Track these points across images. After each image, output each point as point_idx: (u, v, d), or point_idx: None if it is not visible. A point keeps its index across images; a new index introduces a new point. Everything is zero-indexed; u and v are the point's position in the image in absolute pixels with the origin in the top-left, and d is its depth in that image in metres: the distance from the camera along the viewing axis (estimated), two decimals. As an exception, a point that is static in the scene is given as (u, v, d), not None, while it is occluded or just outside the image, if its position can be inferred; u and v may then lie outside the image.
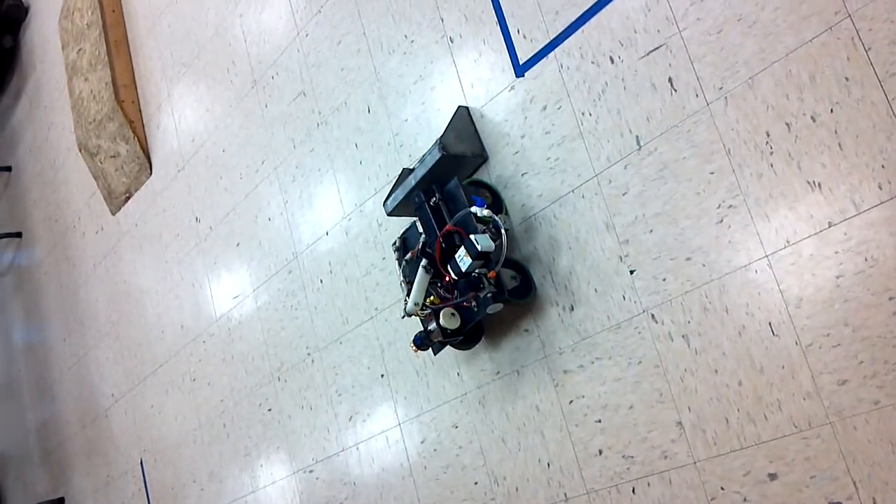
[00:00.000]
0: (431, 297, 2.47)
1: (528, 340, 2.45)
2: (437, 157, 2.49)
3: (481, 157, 2.59)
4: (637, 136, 2.15)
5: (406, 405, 2.89)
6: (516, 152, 2.48)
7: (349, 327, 3.10)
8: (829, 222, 1.81)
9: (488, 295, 2.32)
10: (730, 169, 1.97)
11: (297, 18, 3.35)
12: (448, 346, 2.56)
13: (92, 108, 4.63)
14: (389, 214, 2.72)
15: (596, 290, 2.25)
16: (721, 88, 1.98)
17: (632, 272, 2.17)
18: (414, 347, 2.49)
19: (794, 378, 1.87)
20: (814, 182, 1.83)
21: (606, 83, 2.24)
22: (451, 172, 2.53)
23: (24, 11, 6.07)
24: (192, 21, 4.05)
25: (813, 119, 1.83)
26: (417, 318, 2.48)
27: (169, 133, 4.25)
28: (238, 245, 3.71)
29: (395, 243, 2.69)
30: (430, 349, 2.55)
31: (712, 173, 2.00)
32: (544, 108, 2.39)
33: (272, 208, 3.48)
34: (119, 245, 4.77)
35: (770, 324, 1.91)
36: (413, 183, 2.58)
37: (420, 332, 2.48)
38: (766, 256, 1.91)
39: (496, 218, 2.35)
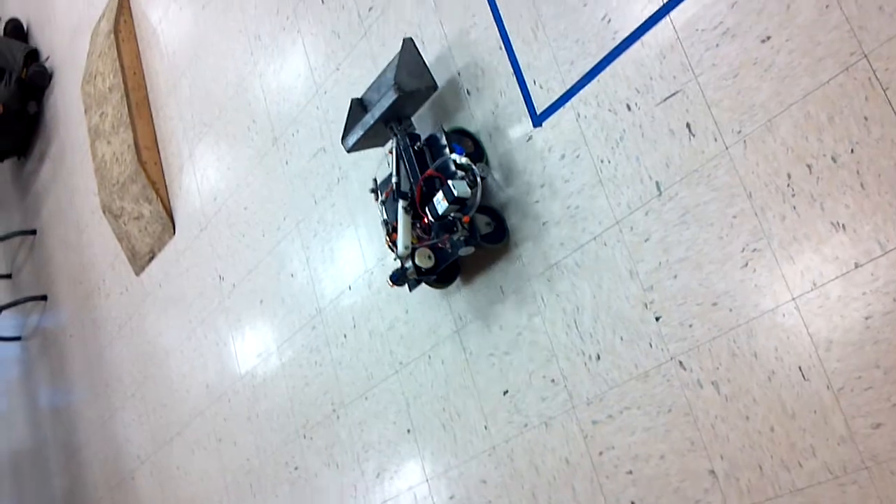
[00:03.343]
0: (412, 238, 2.60)
1: (555, 391, 2.42)
2: (393, 98, 2.60)
3: (433, 89, 2.72)
4: (657, 182, 2.15)
5: (433, 460, 2.86)
6: (536, 201, 2.47)
7: (374, 382, 3.08)
8: (856, 263, 1.79)
9: (461, 238, 2.46)
10: (752, 212, 1.95)
11: (315, 76, 3.39)
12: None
13: (115, 171, 4.69)
14: (349, 151, 2.87)
15: (622, 339, 2.23)
16: (740, 132, 1.98)
17: (657, 319, 2.15)
18: (390, 283, 2.64)
19: (827, 423, 1.83)
20: (838, 223, 1.81)
21: (624, 130, 2.24)
22: (407, 106, 2.69)
23: (48, 77, 6.20)
24: (213, 81, 4.11)
25: (834, 160, 1.82)
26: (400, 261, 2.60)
27: (191, 192, 4.29)
28: (261, 302, 3.72)
29: (372, 188, 2.80)
30: (406, 285, 2.68)
31: (735, 217, 1.99)
32: (563, 156, 2.40)
33: (295, 264, 3.49)
34: (143, 306, 4.79)
35: (800, 368, 1.88)
36: (371, 122, 2.71)
37: (397, 269, 2.61)
38: (794, 299, 1.89)
39: (474, 166, 2.49)
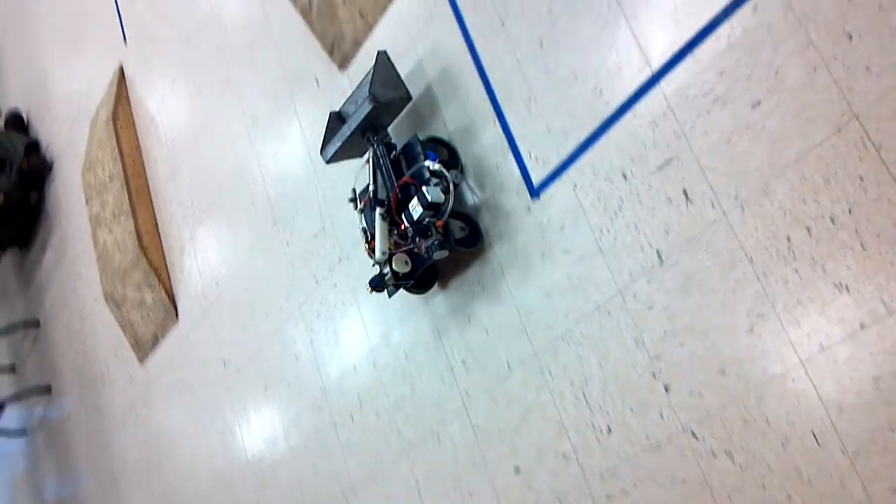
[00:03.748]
0: (389, 244, 2.66)
1: (567, 466, 2.38)
2: (368, 109, 2.69)
3: (407, 99, 2.79)
4: (658, 250, 2.15)
5: (446, 540, 2.80)
6: (537, 273, 2.47)
7: (383, 464, 3.03)
8: (861, 324, 1.77)
9: (435, 242, 2.54)
10: (754, 276, 1.95)
11: (312, 156, 3.42)
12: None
13: (116, 258, 4.70)
14: (328, 162, 2.94)
15: (632, 409, 2.20)
16: (736, 197, 1.98)
17: (666, 388, 2.12)
18: (370, 288, 2.69)
19: (845, 488, 1.80)
20: (841, 284, 1.80)
21: (622, 199, 2.24)
22: (383, 117, 2.78)
23: (48, 167, 6.26)
24: (211, 165, 4.15)
25: (832, 221, 1.82)
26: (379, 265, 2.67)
27: (193, 276, 4.29)
28: (266, 387, 3.69)
29: (351, 198, 2.85)
30: (385, 291, 2.74)
31: (737, 282, 1.98)
32: (562, 227, 2.40)
33: (298, 346, 3.47)
34: (148, 393, 4.75)
35: (813, 432, 1.85)
36: (348, 133, 2.79)
37: (376, 275, 2.68)
38: (801, 363, 1.87)
39: (447, 173, 2.57)
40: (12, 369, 7.01)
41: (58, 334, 6.17)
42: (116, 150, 4.75)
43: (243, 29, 3.87)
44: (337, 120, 2.91)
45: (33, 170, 6.25)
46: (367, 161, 2.81)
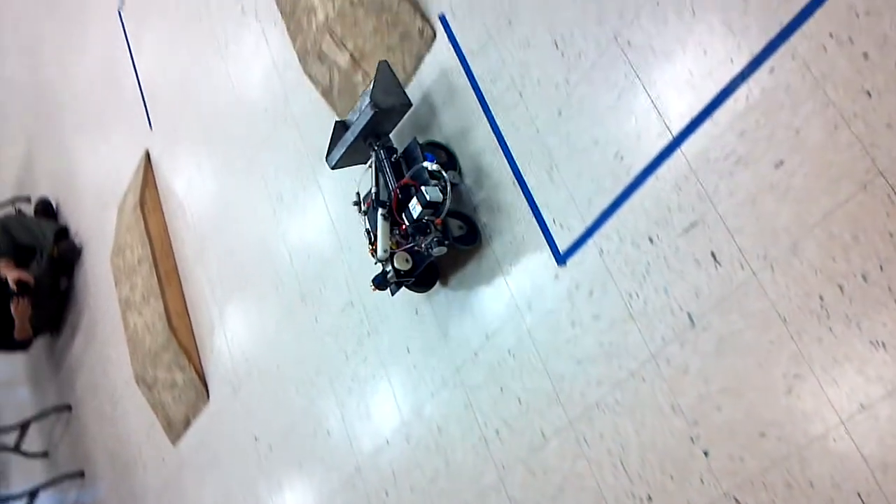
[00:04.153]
0: (391, 243, 2.76)
1: (608, 535, 2.34)
2: (370, 114, 2.80)
3: (408, 106, 2.90)
4: (689, 313, 2.14)
5: None
6: (568, 341, 2.46)
7: (420, 538, 3.00)
8: (903, 381, 1.75)
9: (434, 239, 2.65)
10: (788, 337, 1.93)
11: (338, 231, 3.45)
12: None
13: (147, 340, 4.73)
14: (333, 168, 3.06)
15: (672, 477, 2.17)
16: (765, 258, 1.98)
17: (706, 454, 2.09)
18: (373, 286, 2.81)
19: (897, 550, 1.75)
20: (877, 342, 1.78)
21: (649, 263, 2.24)
22: (385, 123, 2.89)
23: (78, 253, 6.34)
24: (239, 244, 4.19)
25: (864, 278, 1.80)
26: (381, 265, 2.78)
27: (223, 355, 4.30)
28: (300, 464, 3.66)
29: (354, 201, 2.96)
30: (388, 289, 2.85)
31: (772, 343, 1.96)
32: (591, 293, 2.40)
33: (331, 422, 3.46)
34: (181, 475, 4.73)
35: (859, 494, 1.81)
36: (351, 139, 2.91)
37: (378, 273, 2.79)
38: (842, 423, 1.84)
39: (445, 173, 2.68)
40: (45, 455, 7.01)
41: (90, 418, 6.17)
42: (145, 233, 4.81)
43: (265, 111, 3.94)
44: (341, 128, 3.03)
45: (63, 256, 6.33)
46: (370, 166, 2.93)
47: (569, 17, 2.46)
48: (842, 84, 1.86)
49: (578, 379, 2.43)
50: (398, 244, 2.76)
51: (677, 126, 2.17)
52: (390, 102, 2.84)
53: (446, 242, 2.67)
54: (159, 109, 5.13)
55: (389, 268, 2.74)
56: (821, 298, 1.88)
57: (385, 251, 2.73)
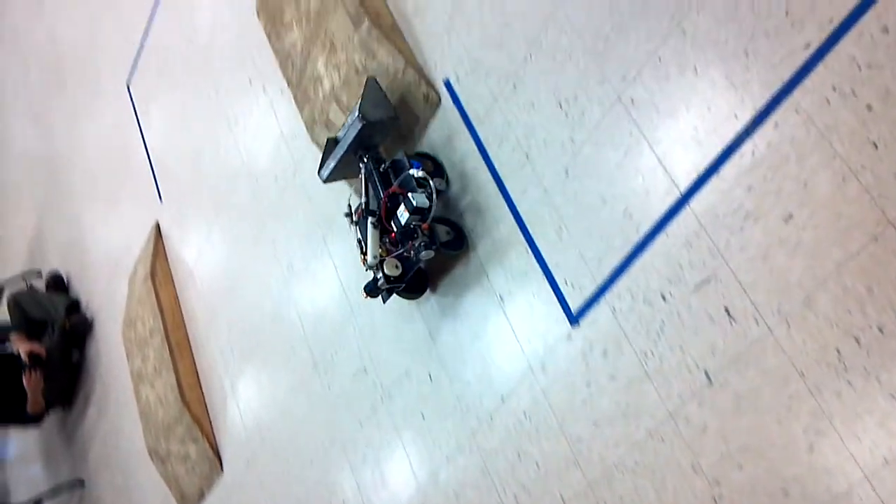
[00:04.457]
0: (380, 251, 2.83)
1: None
2: (358, 127, 2.87)
3: (396, 119, 2.96)
4: (705, 371, 2.11)
5: None
6: (584, 402, 2.43)
7: None
8: (927, 434, 1.72)
9: (422, 243, 2.72)
10: (807, 392, 1.90)
11: (349, 297, 3.45)
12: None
13: (159, 413, 4.70)
14: (325, 181, 3.14)
15: (695, 539, 2.13)
16: (780, 312, 1.96)
17: (729, 514, 2.05)
18: (364, 294, 2.87)
19: None
20: (899, 394, 1.76)
21: (663, 321, 2.23)
22: (374, 136, 2.95)
23: (89, 326, 6.35)
24: (250, 313, 4.19)
25: (881, 330, 1.79)
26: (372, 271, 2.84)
27: (236, 426, 4.27)
28: (316, 534, 3.61)
29: (346, 213, 3.02)
30: (380, 297, 2.91)
31: (790, 398, 1.94)
32: (605, 353, 2.38)
33: (346, 492, 3.41)
34: (196, 549, 4.66)
35: (890, 552, 1.77)
36: (341, 152, 2.98)
37: (370, 281, 2.86)
38: (866, 478, 1.80)
39: (431, 180, 2.75)
40: (59, 532, 6.94)
41: (103, 492, 6.11)
42: (156, 305, 4.82)
43: (274, 180, 3.97)
44: (333, 144, 3.08)
45: (75, 329, 6.34)
46: (360, 178, 2.99)
47: (572, 79, 2.48)
48: (847, 136, 1.87)
49: (596, 440, 2.40)
50: (388, 252, 2.83)
51: (685, 183, 2.18)
52: (378, 115, 2.91)
53: (434, 247, 2.74)
54: (169, 181, 5.18)
55: (380, 274, 2.81)
56: (838, 352, 1.86)
57: (375, 257, 2.81)
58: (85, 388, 6.47)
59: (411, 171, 2.80)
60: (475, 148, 2.83)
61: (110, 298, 5.95)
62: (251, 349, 4.16)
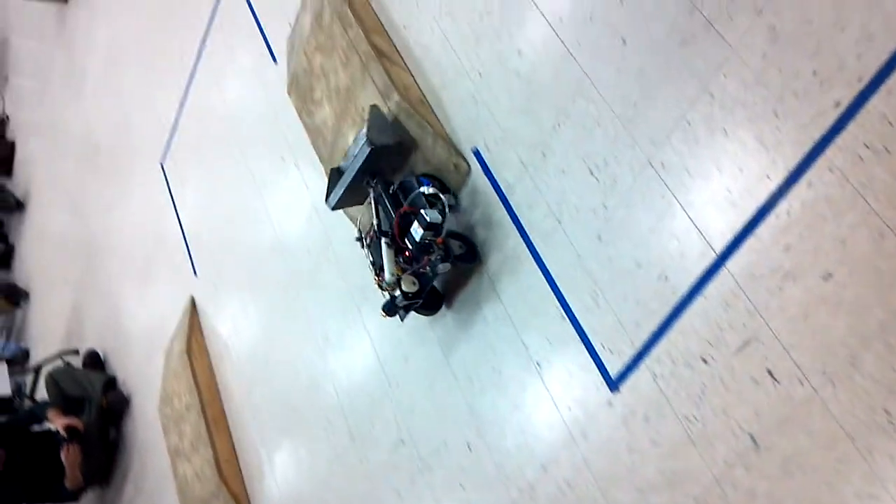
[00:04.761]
0: (396, 269, 2.88)
1: None
2: (367, 152, 2.93)
3: (400, 142, 3.03)
4: (751, 434, 2.08)
5: None
6: (627, 469, 2.40)
7: None
8: None
9: (438, 258, 2.78)
10: (857, 455, 1.86)
11: (385, 369, 3.44)
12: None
13: (197, 489, 4.68)
14: (333, 209, 3.21)
15: None
16: (824, 373, 1.93)
17: (783, 583, 1.99)
18: (383, 313, 2.92)
19: None
20: (954, 454, 1.72)
21: (705, 384, 2.20)
22: (380, 161, 3.01)
23: (126, 403, 6.37)
24: (286, 386, 4.19)
25: (931, 388, 1.75)
26: (388, 292, 2.90)
27: (273, 500, 4.24)
28: None
29: (357, 237, 3.10)
30: (398, 315, 2.98)
31: (840, 462, 1.90)
32: (647, 419, 2.35)
33: (387, 565, 3.36)
34: None
35: None
36: (349, 179, 3.04)
37: (387, 300, 2.90)
38: (927, 542, 1.75)
39: (442, 196, 2.85)
40: None
41: (141, 571, 6.07)
42: (192, 380, 4.83)
43: (307, 252, 4.01)
44: (338, 175, 3.15)
45: (112, 406, 6.36)
46: (369, 202, 3.06)
47: (601, 145, 2.50)
48: (883, 192, 1.86)
49: (641, 508, 2.36)
50: (403, 269, 2.87)
51: (720, 244, 2.17)
52: (385, 140, 2.98)
53: (450, 260, 2.81)
54: (203, 256, 5.24)
55: (398, 292, 2.85)
56: (886, 412, 1.82)
57: (392, 275, 2.84)
58: (122, 465, 6.47)
59: (422, 189, 2.88)
60: (507, 215, 2.85)
61: (147, 375, 5.98)
62: (287, 422, 4.15)
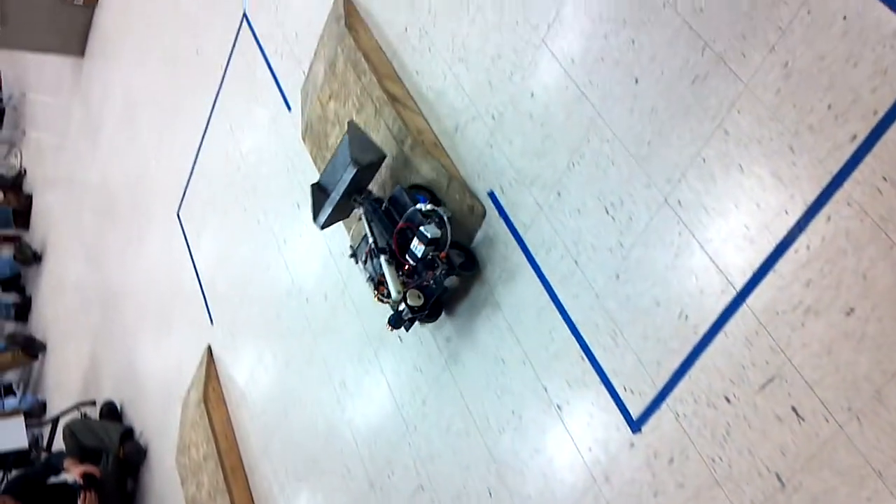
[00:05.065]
0: (400, 286, 2.95)
1: None
2: (353, 172, 3.00)
3: (383, 157, 3.13)
4: (777, 474, 2.04)
5: None
6: (652, 511, 2.36)
7: None
8: None
9: (443, 272, 2.84)
10: (887, 492, 1.83)
11: (403, 414, 3.41)
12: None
13: (216, 539, 4.64)
14: (322, 228, 3.29)
15: None
16: (850, 409, 1.90)
17: None
18: (389, 327, 3.00)
19: None
20: None
21: (729, 423, 2.17)
22: (364, 178, 3.11)
23: (143, 453, 6.35)
24: (303, 434, 4.16)
25: (961, 423, 1.72)
26: (388, 305, 2.99)
27: (292, 550, 4.20)
28: None
29: (350, 254, 3.22)
30: (402, 327, 3.04)
31: (869, 500, 1.86)
32: (671, 460, 2.31)
33: None
34: None
35: None
36: (337, 198, 3.11)
37: (392, 314, 2.98)
38: (964, 582, 1.71)
39: (438, 210, 2.89)
40: None
41: None
42: (209, 429, 4.81)
43: (324, 298, 4.01)
44: (320, 191, 3.22)
45: (129, 457, 6.34)
46: (359, 218, 3.15)
47: (617, 184, 2.50)
48: (904, 225, 1.84)
49: (668, 552, 2.31)
50: (405, 283, 2.95)
51: (740, 281, 2.15)
52: (369, 158, 3.05)
53: (455, 272, 2.87)
54: (219, 303, 5.25)
55: (403, 307, 2.93)
56: (917, 448, 1.79)
57: (398, 292, 2.91)
58: (140, 517, 6.43)
59: (419, 206, 2.93)
60: (523, 257, 2.84)
61: (164, 425, 5.97)
62: (306, 470, 4.12)
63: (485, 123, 3.00)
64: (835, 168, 1.96)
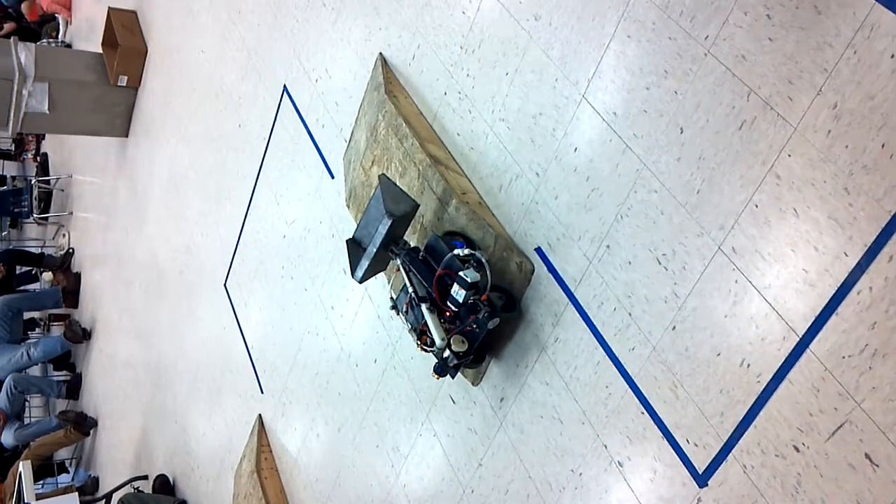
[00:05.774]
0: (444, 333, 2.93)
1: None
2: (388, 224, 3.00)
3: (416, 207, 3.13)
4: (855, 524, 1.98)
5: None
6: (725, 569, 2.29)
7: None
8: None
9: (485, 314, 2.83)
10: (976, 539, 1.76)
11: (459, 477, 3.37)
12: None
13: None
14: (361, 281, 3.25)
15: None
16: (929, 453, 1.84)
17: None
18: (436, 375, 2.98)
19: None
20: None
21: (799, 474, 2.11)
22: (398, 229, 3.10)
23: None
24: (357, 501, 4.12)
25: None
26: (431, 354, 2.96)
27: None
28: None
29: (391, 306, 3.21)
30: (448, 374, 3.00)
31: (957, 548, 1.79)
32: (741, 514, 2.25)
33: None
34: None
35: None
36: (374, 251, 3.10)
37: (437, 362, 2.96)
38: None
39: (476, 253, 2.91)
40: None
41: None
42: (263, 500, 4.78)
43: (374, 362, 4.00)
44: (355, 245, 3.21)
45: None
46: (396, 269, 3.17)
47: (667, 235, 2.48)
48: (970, 261, 1.80)
49: None
50: (448, 330, 2.94)
51: (801, 327, 2.11)
52: (402, 209, 3.04)
53: (497, 314, 2.87)
54: (269, 373, 5.25)
55: (448, 353, 2.91)
56: None
57: (443, 339, 2.89)
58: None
59: (456, 252, 2.93)
60: (575, 312, 2.82)
61: (217, 497, 5.95)
62: (363, 538, 4.07)
63: (529, 180, 3.00)
64: (894, 207, 1.93)
